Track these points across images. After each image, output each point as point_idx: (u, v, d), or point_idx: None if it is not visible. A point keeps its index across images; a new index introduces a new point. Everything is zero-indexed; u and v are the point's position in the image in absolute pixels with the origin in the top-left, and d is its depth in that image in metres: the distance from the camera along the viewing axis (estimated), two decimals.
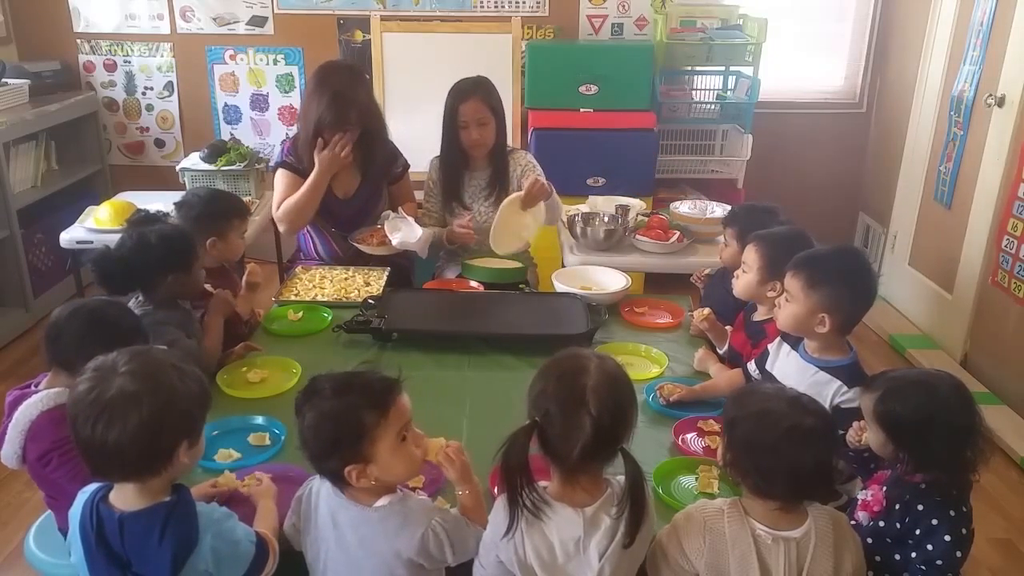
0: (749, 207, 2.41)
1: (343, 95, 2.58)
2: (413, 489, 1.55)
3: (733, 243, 2.25)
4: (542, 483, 1.37)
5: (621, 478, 1.34)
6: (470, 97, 2.70)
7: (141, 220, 2.08)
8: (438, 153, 2.86)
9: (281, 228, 2.82)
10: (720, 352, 2.20)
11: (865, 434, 1.55)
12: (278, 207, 2.74)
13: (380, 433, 1.32)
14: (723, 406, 1.47)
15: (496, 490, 1.53)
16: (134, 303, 2.00)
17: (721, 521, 1.36)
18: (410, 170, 2.94)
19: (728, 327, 2.20)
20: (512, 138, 3.18)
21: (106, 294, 1.92)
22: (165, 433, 1.27)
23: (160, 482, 1.31)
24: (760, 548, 1.34)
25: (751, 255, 2.03)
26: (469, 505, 1.44)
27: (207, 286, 2.18)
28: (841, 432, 1.58)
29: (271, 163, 3.02)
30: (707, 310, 2.20)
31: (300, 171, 2.71)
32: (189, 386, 1.31)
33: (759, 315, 2.08)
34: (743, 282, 2.05)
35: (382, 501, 1.36)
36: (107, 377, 1.26)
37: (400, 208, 2.74)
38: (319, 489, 1.43)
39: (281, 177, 2.74)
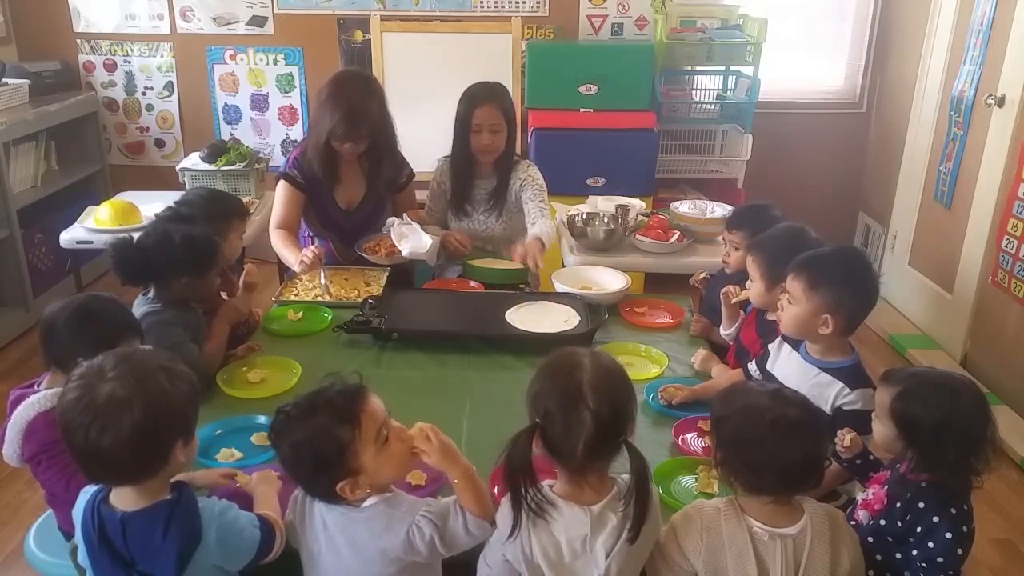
0: (749, 208, 2.39)
1: (356, 109, 2.53)
2: (415, 488, 1.55)
3: (744, 246, 2.20)
4: (548, 482, 1.37)
5: (627, 476, 1.34)
6: (487, 102, 2.68)
7: (171, 217, 2.06)
8: (440, 153, 2.85)
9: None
10: (724, 333, 2.19)
11: (850, 436, 1.55)
12: (276, 221, 2.71)
13: (359, 444, 1.30)
14: (710, 406, 1.46)
15: (497, 491, 1.53)
16: (143, 298, 2.00)
17: (718, 520, 1.36)
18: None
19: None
20: None
21: (120, 282, 1.92)
22: (160, 436, 1.27)
23: (158, 482, 1.31)
24: (757, 546, 1.34)
25: (751, 264, 2.01)
26: (463, 489, 1.35)
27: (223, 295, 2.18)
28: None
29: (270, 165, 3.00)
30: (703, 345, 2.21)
31: (301, 185, 2.69)
32: (179, 387, 1.30)
33: (773, 314, 2.05)
34: (754, 293, 2.03)
35: (370, 501, 1.35)
36: (95, 384, 1.25)
37: (405, 215, 2.72)
38: None
39: (280, 189, 2.73)
